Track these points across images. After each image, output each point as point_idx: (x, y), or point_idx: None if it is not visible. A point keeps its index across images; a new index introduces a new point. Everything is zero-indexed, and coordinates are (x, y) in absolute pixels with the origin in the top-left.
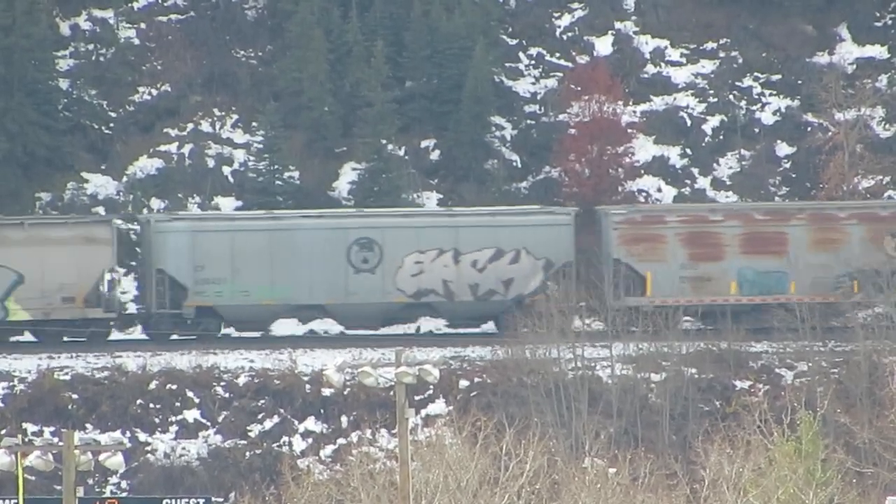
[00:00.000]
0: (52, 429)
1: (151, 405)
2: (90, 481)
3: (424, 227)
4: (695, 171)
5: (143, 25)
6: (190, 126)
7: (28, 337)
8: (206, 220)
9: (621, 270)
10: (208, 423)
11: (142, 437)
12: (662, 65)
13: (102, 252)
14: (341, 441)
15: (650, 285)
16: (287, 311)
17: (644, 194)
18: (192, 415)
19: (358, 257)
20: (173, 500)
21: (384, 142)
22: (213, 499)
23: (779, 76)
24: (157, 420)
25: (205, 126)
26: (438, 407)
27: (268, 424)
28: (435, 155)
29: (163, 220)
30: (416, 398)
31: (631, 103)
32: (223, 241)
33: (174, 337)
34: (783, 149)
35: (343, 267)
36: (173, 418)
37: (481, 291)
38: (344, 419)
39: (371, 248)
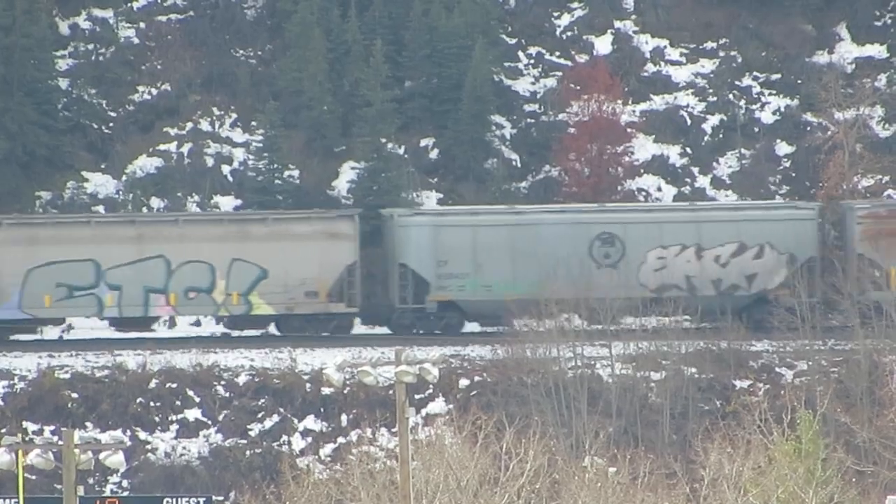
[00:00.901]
0: (52, 427)
1: (152, 404)
2: (90, 480)
3: (667, 222)
4: (694, 170)
5: (142, 25)
6: (189, 125)
7: (28, 336)
8: (448, 214)
9: (864, 265)
10: (209, 422)
11: (142, 435)
12: (662, 64)
13: (345, 246)
14: (341, 440)
15: (894, 280)
16: (525, 306)
17: (644, 193)
18: (192, 414)
19: (600, 252)
20: (174, 499)
21: (384, 141)
22: (214, 498)
23: (778, 75)
24: (157, 419)
25: (204, 125)
26: (438, 406)
27: (268, 423)
28: (434, 154)
29: (405, 215)
30: (416, 397)
31: (630, 102)
32: (465, 236)
33: (417, 331)
34: (783, 148)
35: (586, 262)
36: (174, 417)
37: (724, 286)
38: (344, 418)
39: (612, 243)
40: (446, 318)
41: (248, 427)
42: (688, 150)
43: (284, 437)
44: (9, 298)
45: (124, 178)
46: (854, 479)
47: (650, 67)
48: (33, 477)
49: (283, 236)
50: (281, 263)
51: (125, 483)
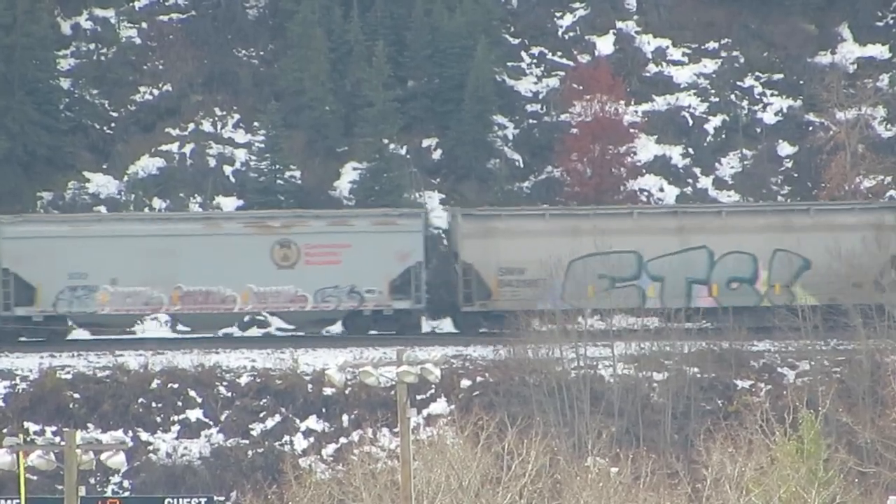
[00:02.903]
0: (53, 428)
1: (153, 404)
2: (92, 481)
3: None
4: (696, 170)
5: (144, 25)
6: (191, 126)
7: (30, 336)
8: None
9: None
10: (210, 423)
11: (144, 436)
12: (664, 64)
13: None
14: (343, 440)
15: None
16: None
17: (646, 194)
18: (194, 414)
19: None
20: (175, 500)
21: (385, 141)
22: (215, 498)
23: (780, 76)
24: (158, 419)
25: (206, 126)
26: (440, 406)
27: (269, 424)
28: (436, 154)
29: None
30: (418, 397)
31: (633, 103)
32: None
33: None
34: (785, 148)
35: None
36: (175, 417)
37: None
38: (345, 418)
39: None
40: None
41: (250, 427)
42: (690, 150)
43: (286, 438)
44: (551, 290)
45: (126, 178)
46: (856, 480)
47: (652, 68)
48: (35, 477)
49: (827, 227)
50: (825, 254)
51: (126, 483)
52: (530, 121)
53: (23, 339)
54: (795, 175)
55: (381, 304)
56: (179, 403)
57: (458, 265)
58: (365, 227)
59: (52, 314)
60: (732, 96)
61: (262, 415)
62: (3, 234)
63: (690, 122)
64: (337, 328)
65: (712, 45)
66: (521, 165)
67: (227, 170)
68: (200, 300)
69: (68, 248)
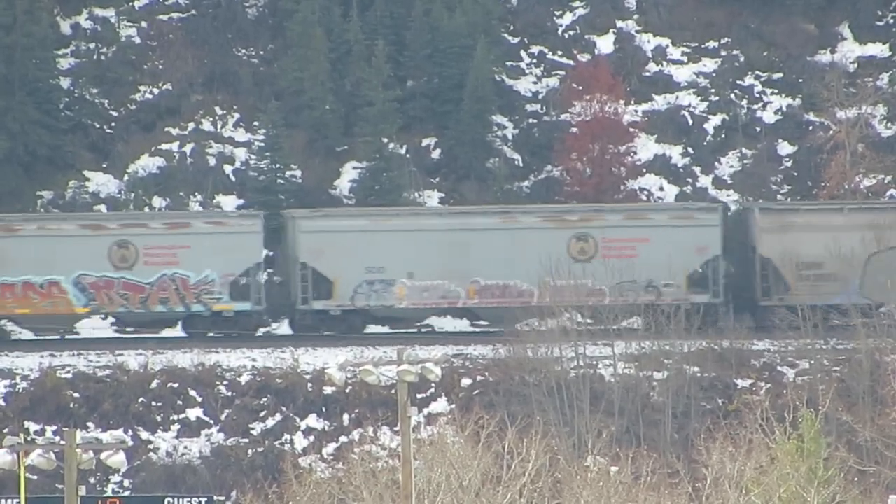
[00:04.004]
0: (53, 427)
1: (153, 403)
2: (92, 480)
3: None
4: (696, 169)
5: (144, 24)
6: (191, 125)
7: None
8: None
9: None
10: (210, 422)
11: (144, 435)
12: (664, 63)
13: None
14: (343, 439)
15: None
16: None
17: (646, 193)
18: (194, 413)
19: None
20: (175, 499)
21: (385, 141)
22: (216, 497)
23: (780, 75)
24: (159, 418)
25: (206, 125)
26: (440, 405)
27: (270, 423)
28: (436, 154)
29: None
30: (418, 396)
31: (632, 102)
32: None
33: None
34: (785, 148)
35: None
36: (175, 417)
37: None
38: (346, 417)
39: None
40: None
41: (250, 426)
42: (689, 149)
43: (286, 437)
44: (849, 285)
45: (126, 177)
46: (856, 479)
47: (652, 67)
48: (35, 477)
49: None
50: None
51: (127, 483)
52: (530, 120)
53: (326, 332)
54: (795, 174)
55: (678, 298)
56: (179, 403)
57: (755, 259)
58: (663, 220)
59: (350, 308)
60: (732, 95)
61: (262, 414)
62: (300, 228)
63: (690, 121)
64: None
65: (712, 44)
66: (521, 165)
67: (228, 169)
68: (497, 294)
69: (365, 241)
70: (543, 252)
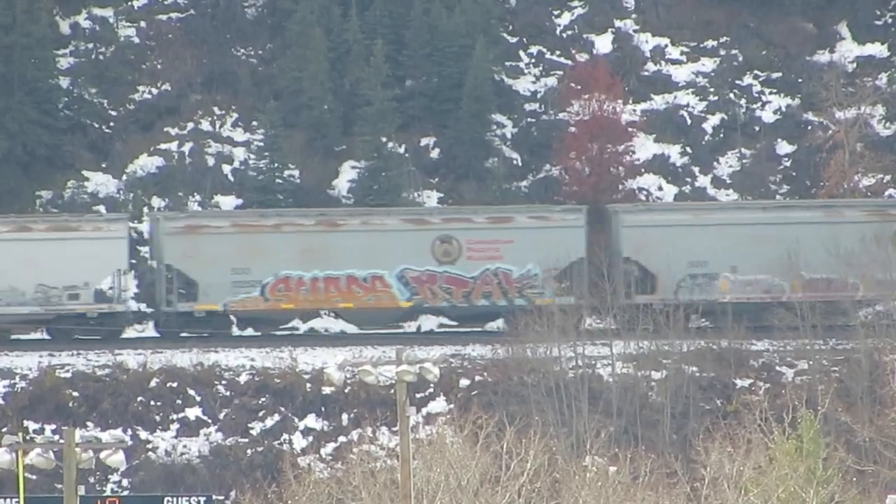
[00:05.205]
0: (53, 426)
1: (152, 403)
2: (91, 479)
3: None
4: (695, 169)
5: (143, 24)
6: (190, 125)
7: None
8: None
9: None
10: (209, 421)
11: (143, 434)
12: (663, 63)
13: None
14: (342, 439)
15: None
16: None
17: (644, 193)
18: (193, 413)
19: None
20: (174, 499)
21: (384, 140)
22: (214, 497)
23: (779, 74)
24: (158, 418)
25: (205, 125)
26: (439, 405)
27: (269, 422)
28: (435, 153)
29: None
30: (417, 396)
31: (631, 101)
32: None
33: None
34: (783, 147)
35: None
36: (174, 416)
37: None
38: (345, 417)
39: None
40: None
41: (249, 426)
42: (688, 149)
43: (285, 436)
44: None
45: (125, 177)
46: (855, 479)
47: (650, 66)
48: (34, 476)
49: None
50: None
51: (126, 482)
52: (529, 120)
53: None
54: (794, 174)
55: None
56: (178, 402)
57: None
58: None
59: (673, 302)
60: (731, 95)
61: (261, 413)
62: (622, 222)
63: (689, 120)
64: None
65: (711, 43)
66: (520, 164)
67: (226, 169)
68: (822, 288)
69: (689, 236)
70: (866, 245)
